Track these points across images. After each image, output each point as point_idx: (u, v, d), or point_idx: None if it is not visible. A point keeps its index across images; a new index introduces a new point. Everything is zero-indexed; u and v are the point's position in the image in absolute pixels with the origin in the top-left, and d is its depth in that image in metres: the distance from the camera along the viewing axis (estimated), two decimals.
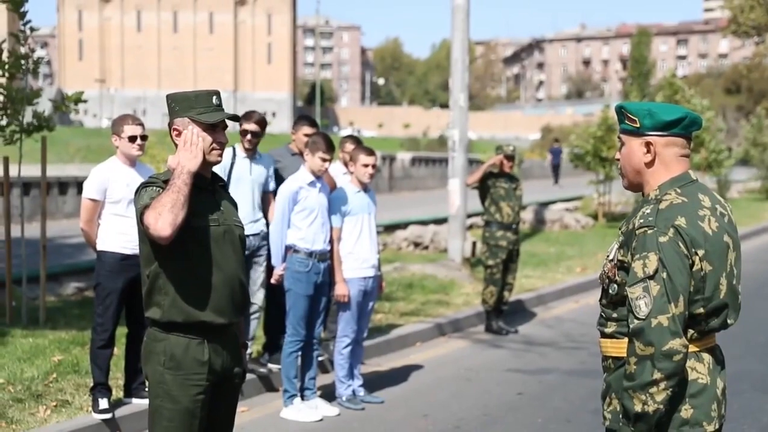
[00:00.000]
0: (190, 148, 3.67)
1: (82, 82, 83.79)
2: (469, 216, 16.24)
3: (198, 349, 3.68)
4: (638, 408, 2.96)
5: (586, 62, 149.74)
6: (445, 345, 9.44)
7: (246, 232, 7.11)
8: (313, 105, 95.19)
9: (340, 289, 6.97)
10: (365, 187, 7.13)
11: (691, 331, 3.06)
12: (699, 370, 3.08)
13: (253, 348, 7.76)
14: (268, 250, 7.22)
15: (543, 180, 41.41)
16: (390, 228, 17.15)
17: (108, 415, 6.13)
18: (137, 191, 3.71)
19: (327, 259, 6.90)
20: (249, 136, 7.26)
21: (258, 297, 7.30)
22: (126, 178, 6.27)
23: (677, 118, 3.12)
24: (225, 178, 6.99)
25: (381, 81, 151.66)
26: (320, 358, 7.57)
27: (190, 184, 3.59)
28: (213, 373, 3.71)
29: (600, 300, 3.27)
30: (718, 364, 3.15)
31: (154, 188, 3.65)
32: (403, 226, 17.46)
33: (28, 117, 8.92)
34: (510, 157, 9.98)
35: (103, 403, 6.13)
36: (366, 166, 7.01)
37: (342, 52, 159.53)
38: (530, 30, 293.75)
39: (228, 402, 3.88)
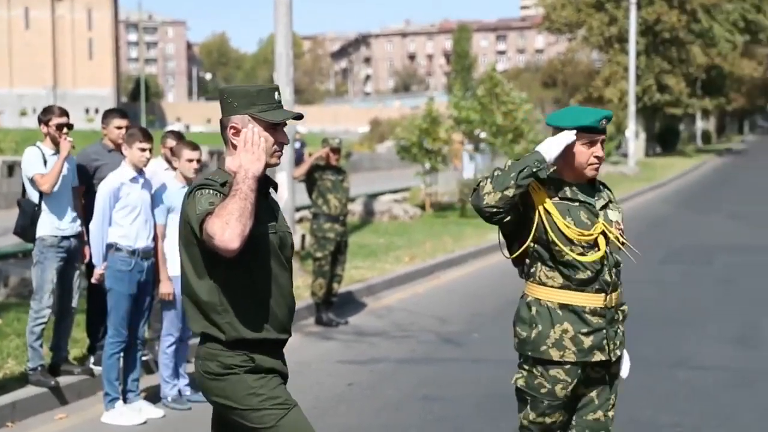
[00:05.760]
0: (252, 149, 3.30)
1: None
2: (298, 209, 16.17)
3: (269, 361, 3.39)
4: None
5: (412, 57, 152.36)
6: None
7: (70, 233, 6.84)
8: (137, 101, 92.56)
9: (164, 287, 6.78)
10: (190, 183, 6.95)
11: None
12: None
13: (75, 351, 7.46)
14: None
15: (372, 172, 41.83)
16: None
17: None
18: (189, 193, 3.31)
19: (151, 256, 6.69)
20: (66, 130, 6.90)
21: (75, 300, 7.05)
22: None
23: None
24: (27, 179, 6.66)
25: (208, 76, 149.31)
26: (144, 359, 7.35)
27: (256, 189, 3.21)
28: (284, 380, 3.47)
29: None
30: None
31: (211, 192, 3.25)
32: None
33: None
34: (336, 150, 10.00)
35: None
36: (191, 161, 6.83)
37: (167, 47, 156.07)
38: (356, 25, 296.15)
39: None
